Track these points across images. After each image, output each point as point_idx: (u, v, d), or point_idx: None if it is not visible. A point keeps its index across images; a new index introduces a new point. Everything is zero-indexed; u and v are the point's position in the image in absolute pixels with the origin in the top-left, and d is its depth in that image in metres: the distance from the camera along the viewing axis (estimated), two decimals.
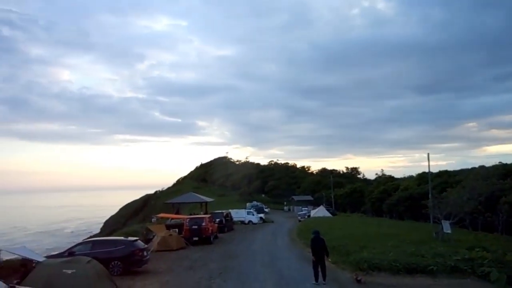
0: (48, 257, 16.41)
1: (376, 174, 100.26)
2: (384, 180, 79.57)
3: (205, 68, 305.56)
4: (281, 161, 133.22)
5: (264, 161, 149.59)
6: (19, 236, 63.41)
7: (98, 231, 76.64)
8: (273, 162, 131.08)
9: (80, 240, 44.93)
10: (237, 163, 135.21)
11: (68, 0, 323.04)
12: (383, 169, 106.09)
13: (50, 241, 59.25)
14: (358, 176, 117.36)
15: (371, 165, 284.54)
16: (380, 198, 63.84)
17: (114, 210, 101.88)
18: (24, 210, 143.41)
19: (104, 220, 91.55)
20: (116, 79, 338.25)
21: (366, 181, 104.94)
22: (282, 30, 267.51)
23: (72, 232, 77.79)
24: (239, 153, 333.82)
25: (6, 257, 17.15)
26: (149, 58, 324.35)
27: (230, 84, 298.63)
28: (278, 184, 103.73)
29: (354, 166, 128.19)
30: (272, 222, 47.08)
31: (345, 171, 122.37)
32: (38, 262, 15.15)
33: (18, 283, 12.26)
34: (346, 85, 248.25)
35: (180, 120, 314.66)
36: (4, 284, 10.69)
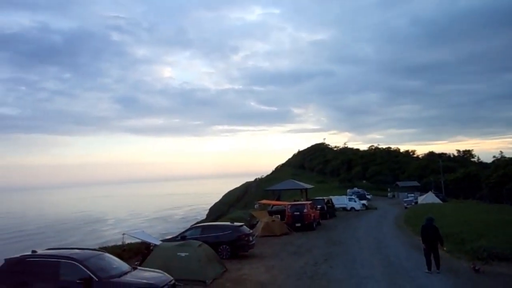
0: (163, 241, 17.49)
1: (494, 156, 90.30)
2: (504, 163, 71.33)
3: (299, 55, 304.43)
4: (382, 145, 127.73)
5: (363, 147, 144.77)
6: (136, 221, 69.64)
7: (204, 217, 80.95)
8: (373, 147, 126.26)
9: (188, 225, 47.83)
10: (335, 149, 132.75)
11: (167, 1, 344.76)
12: (502, 151, 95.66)
13: (163, 226, 64.15)
14: (472, 159, 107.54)
15: (487, 147, 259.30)
16: (499, 183, 57.61)
17: (217, 197, 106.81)
18: (139, 198, 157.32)
19: (209, 207, 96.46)
20: (213, 72, 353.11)
21: (481, 164, 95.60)
22: (379, 7, 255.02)
23: (182, 218, 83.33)
24: (337, 139, 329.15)
25: (128, 240, 18.76)
26: (243, 49, 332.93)
27: (325, 69, 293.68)
28: (380, 170, 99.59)
29: (467, 148, 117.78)
30: (376, 208, 45.31)
31: (456, 154, 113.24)
32: (155, 245, 16.24)
33: (139, 264, 13.18)
34: (455, 60, 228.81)
35: (275, 109, 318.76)
36: (127, 265, 11.54)
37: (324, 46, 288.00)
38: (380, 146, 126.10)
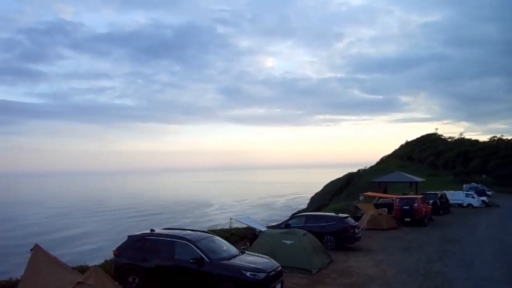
0: (268, 227, 17.75)
1: None
2: None
3: (408, 39, 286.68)
4: (507, 136, 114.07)
5: (483, 138, 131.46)
6: (240, 207, 72.40)
7: (305, 206, 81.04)
8: (495, 138, 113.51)
9: (290, 213, 48.29)
10: (449, 140, 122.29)
11: None
12: None
13: (266, 213, 65.68)
14: None
15: None
16: None
17: (318, 187, 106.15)
18: (242, 184, 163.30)
19: (310, 196, 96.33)
20: (315, 61, 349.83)
21: None
22: None
23: (284, 205, 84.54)
24: (451, 129, 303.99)
25: (234, 225, 19.43)
26: (347, 36, 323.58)
27: (437, 53, 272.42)
28: (504, 164, 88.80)
29: None
30: (498, 206, 40.82)
31: None
32: (260, 231, 16.53)
33: (245, 249, 13.49)
34: None
35: (381, 97, 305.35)
36: (236, 249, 11.86)
37: (437, 28, 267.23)
38: (504, 137, 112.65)
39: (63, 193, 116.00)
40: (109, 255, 17.96)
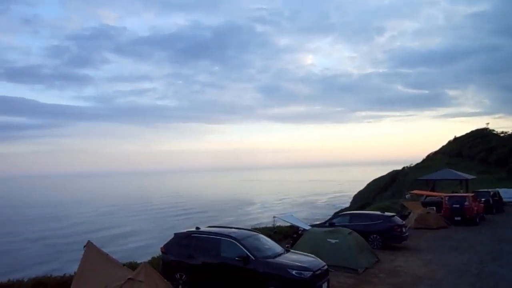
0: (311, 226, 17.57)
1: None
2: None
3: (454, 30, 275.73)
4: None
5: None
6: (281, 206, 72.27)
7: (348, 204, 79.71)
8: None
9: (332, 212, 47.61)
10: (502, 135, 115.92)
11: None
12: None
13: (308, 211, 65.19)
14: None
15: None
16: None
17: (360, 185, 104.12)
18: (283, 183, 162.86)
19: (352, 194, 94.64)
20: (355, 57, 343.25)
21: None
22: None
23: (326, 204, 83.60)
24: (504, 124, 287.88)
25: (277, 223, 19.39)
26: (389, 30, 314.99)
27: (487, 44, 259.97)
28: None
29: None
30: None
31: None
32: (304, 230, 16.40)
33: (289, 247, 13.41)
34: None
35: (426, 92, 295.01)
36: (280, 247, 11.80)
37: (486, 17, 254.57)
38: None
39: (109, 193, 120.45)
40: (156, 252, 18.41)
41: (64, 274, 14.10)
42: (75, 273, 13.14)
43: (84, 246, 9.35)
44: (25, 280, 13.23)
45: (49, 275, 14.06)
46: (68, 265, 21.14)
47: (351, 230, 14.83)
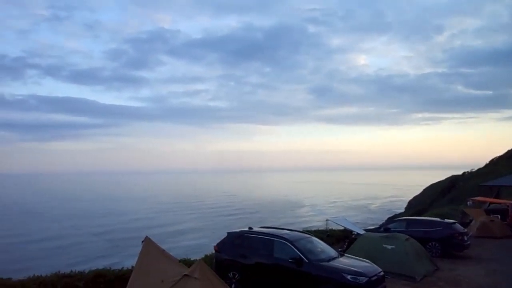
0: (366, 230, 17.12)
1: None
2: None
3: None
4: None
5: None
6: (332, 209, 71.13)
7: (402, 210, 76.97)
8: None
9: (385, 217, 46.17)
10: None
11: None
12: None
13: (360, 216, 63.66)
14: None
15: None
16: None
17: (416, 190, 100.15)
18: (333, 185, 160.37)
19: (407, 199, 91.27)
20: (412, 56, 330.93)
21: None
22: None
23: (379, 208, 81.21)
24: None
25: (329, 226, 19.05)
26: (449, 28, 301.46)
27: None
28: None
29: None
30: None
31: None
32: (357, 234, 16.01)
33: (343, 251, 13.12)
34: None
35: (490, 92, 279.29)
36: (334, 251, 11.58)
37: None
38: None
39: (164, 190, 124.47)
40: (209, 250, 18.76)
41: (122, 267, 14.74)
42: (132, 266, 13.70)
43: (142, 241, 9.68)
44: (86, 271, 13.98)
45: (108, 268, 14.77)
46: (126, 259, 22.04)
47: (408, 236, 14.31)
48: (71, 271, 14.03)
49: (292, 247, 10.62)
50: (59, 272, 13.75)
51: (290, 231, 12.07)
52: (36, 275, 13.25)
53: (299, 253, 10.40)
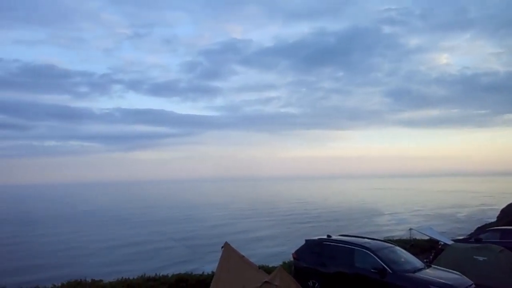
0: (454, 241, 15.99)
1: None
2: None
3: None
4: None
5: None
6: (415, 218, 67.54)
7: (493, 219, 70.86)
8: None
9: (474, 227, 42.72)
10: None
11: None
12: None
13: (447, 226, 59.72)
14: None
15: None
16: None
17: (510, 198, 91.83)
18: (414, 193, 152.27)
19: (499, 208, 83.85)
20: (501, 52, 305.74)
21: None
22: None
23: (467, 217, 75.58)
24: None
25: (413, 236, 18.07)
26: None
27: None
28: None
29: None
30: None
31: None
32: (445, 244, 14.99)
33: (429, 262, 12.35)
34: None
35: None
36: (420, 261, 10.93)
37: None
38: None
39: (240, 197, 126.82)
40: (286, 258, 18.70)
41: (203, 272, 15.22)
42: (213, 272, 14.08)
43: (222, 247, 9.89)
44: (169, 275, 14.64)
45: (190, 273, 15.35)
46: (205, 265, 22.68)
47: (502, 248, 13.14)
48: (156, 274, 14.80)
49: (375, 256, 10.21)
50: (144, 275, 14.59)
51: (371, 240, 11.64)
52: (124, 277, 14.16)
53: (381, 263, 9.97)
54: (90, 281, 13.35)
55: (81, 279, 13.46)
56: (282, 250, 30.38)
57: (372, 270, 9.91)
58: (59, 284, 12.84)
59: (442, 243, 15.24)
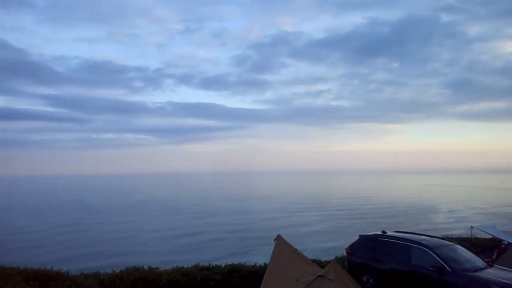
0: None
1: None
2: None
3: None
4: None
5: None
6: (477, 217, 64.29)
7: None
8: None
9: None
10: None
11: None
12: None
13: (507, 224, 56.41)
14: None
15: None
16: None
17: None
18: (473, 189, 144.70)
19: None
20: None
21: None
22: None
23: None
24: None
25: (476, 235, 17.25)
26: None
27: None
28: None
29: None
30: None
31: None
32: (509, 244, 14.20)
33: (492, 261, 11.75)
34: None
35: None
36: (482, 261, 10.44)
37: None
38: None
39: (289, 191, 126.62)
40: (338, 253, 18.50)
41: (255, 264, 15.44)
42: (265, 264, 14.23)
43: (275, 240, 9.97)
44: (222, 265, 14.99)
45: (242, 263, 15.64)
46: (256, 257, 22.94)
47: None
48: (209, 264, 15.23)
49: (433, 254, 9.86)
50: (198, 264, 15.05)
51: (429, 237, 11.24)
52: (179, 266, 14.69)
53: (440, 261, 9.61)
54: (147, 268, 13.97)
55: (138, 266, 14.11)
56: (334, 246, 30.07)
57: (430, 268, 9.59)
58: (118, 270, 13.52)
59: (505, 242, 14.42)
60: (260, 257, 18.95)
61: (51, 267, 10.92)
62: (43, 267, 10.79)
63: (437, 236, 12.90)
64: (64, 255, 30.97)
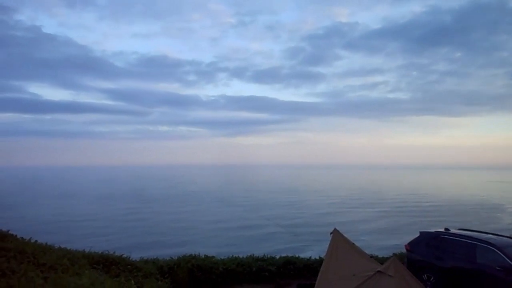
0: None
1: None
2: None
3: None
4: None
5: None
6: None
7: None
8: None
9: None
10: None
11: None
12: None
13: None
14: None
15: None
16: None
17: None
18: None
19: None
20: None
21: None
22: None
23: None
24: None
25: None
26: None
27: None
28: None
29: None
30: None
31: None
32: None
33: None
34: None
35: None
36: None
37: None
38: None
39: (342, 185, 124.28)
40: (396, 250, 18.01)
41: (310, 257, 15.43)
42: (320, 257, 14.14)
43: (331, 233, 9.86)
44: (277, 257, 15.13)
45: (297, 256, 15.70)
46: (310, 252, 22.87)
47: None
48: (264, 254, 15.41)
49: (501, 253, 9.34)
50: (253, 255, 15.28)
51: (496, 236, 10.65)
52: (234, 256, 15.01)
53: (509, 261, 9.07)
54: (203, 256, 14.42)
55: (195, 254, 14.60)
56: (393, 243, 29.27)
57: (497, 268, 9.09)
58: (176, 257, 14.12)
59: None
60: (315, 252, 18.87)
61: (113, 252, 11.59)
62: (106, 251, 11.49)
63: (506, 235, 12.18)
64: (125, 243, 32.59)
